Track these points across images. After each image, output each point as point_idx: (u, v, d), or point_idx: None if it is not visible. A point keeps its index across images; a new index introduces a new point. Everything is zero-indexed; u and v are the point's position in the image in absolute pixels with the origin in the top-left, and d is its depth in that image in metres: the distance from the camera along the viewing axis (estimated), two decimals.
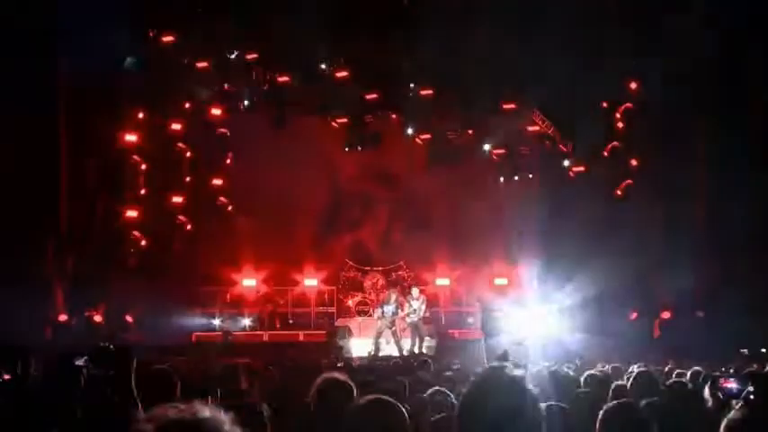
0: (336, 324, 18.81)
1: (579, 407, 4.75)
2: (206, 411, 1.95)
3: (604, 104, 18.80)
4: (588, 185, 19.31)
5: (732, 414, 3.14)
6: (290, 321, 19.41)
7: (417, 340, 16.84)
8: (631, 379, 5.97)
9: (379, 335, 17.00)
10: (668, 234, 17.92)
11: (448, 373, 8.89)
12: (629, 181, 18.86)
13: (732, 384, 4.82)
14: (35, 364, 3.99)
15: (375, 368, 10.66)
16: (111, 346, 3.58)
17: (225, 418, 1.97)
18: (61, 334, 15.39)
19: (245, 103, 19.05)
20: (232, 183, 19.55)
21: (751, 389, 4.50)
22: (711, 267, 16.96)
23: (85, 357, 3.56)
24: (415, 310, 16.96)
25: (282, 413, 4.71)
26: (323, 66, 18.42)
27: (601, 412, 3.74)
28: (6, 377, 3.85)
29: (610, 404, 3.84)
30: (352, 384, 4.00)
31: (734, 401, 4.61)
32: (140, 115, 17.75)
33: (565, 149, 19.61)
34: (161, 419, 1.92)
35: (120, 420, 3.03)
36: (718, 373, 6.21)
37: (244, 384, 6.47)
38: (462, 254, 19.93)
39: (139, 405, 3.53)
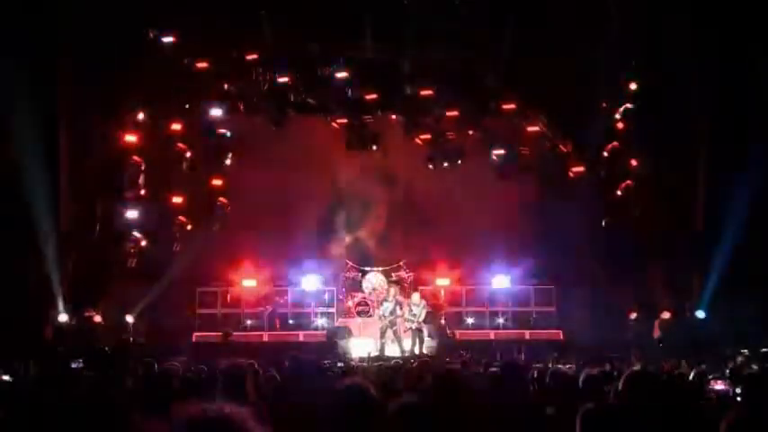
0: (336, 324, 18.81)
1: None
2: (230, 409, 1.96)
3: (604, 104, 18.76)
4: (588, 185, 19.30)
5: (729, 414, 3.15)
6: (290, 321, 19.39)
7: (418, 341, 16.86)
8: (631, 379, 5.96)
9: (382, 334, 17.02)
10: (666, 234, 17.93)
11: None
12: (629, 181, 18.83)
13: (721, 386, 4.85)
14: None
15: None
16: (107, 348, 3.59)
17: (248, 414, 1.98)
18: (61, 334, 15.41)
19: (245, 103, 19.04)
20: (232, 183, 19.54)
21: (738, 390, 4.52)
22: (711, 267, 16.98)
23: (81, 360, 3.57)
24: (415, 315, 16.96)
25: (282, 414, 4.72)
26: (323, 66, 18.40)
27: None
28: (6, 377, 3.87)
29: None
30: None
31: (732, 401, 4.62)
32: (140, 115, 17.76)
33: (565, 149, 19.58)
34: (191, 417, 1.92)
35: (118, 422, 3.03)
36: (713, 375, 6.22)
37: (246, 385, 6.47)
38: (462, 254, 19.90)
39: (138, 406, 3.54)
